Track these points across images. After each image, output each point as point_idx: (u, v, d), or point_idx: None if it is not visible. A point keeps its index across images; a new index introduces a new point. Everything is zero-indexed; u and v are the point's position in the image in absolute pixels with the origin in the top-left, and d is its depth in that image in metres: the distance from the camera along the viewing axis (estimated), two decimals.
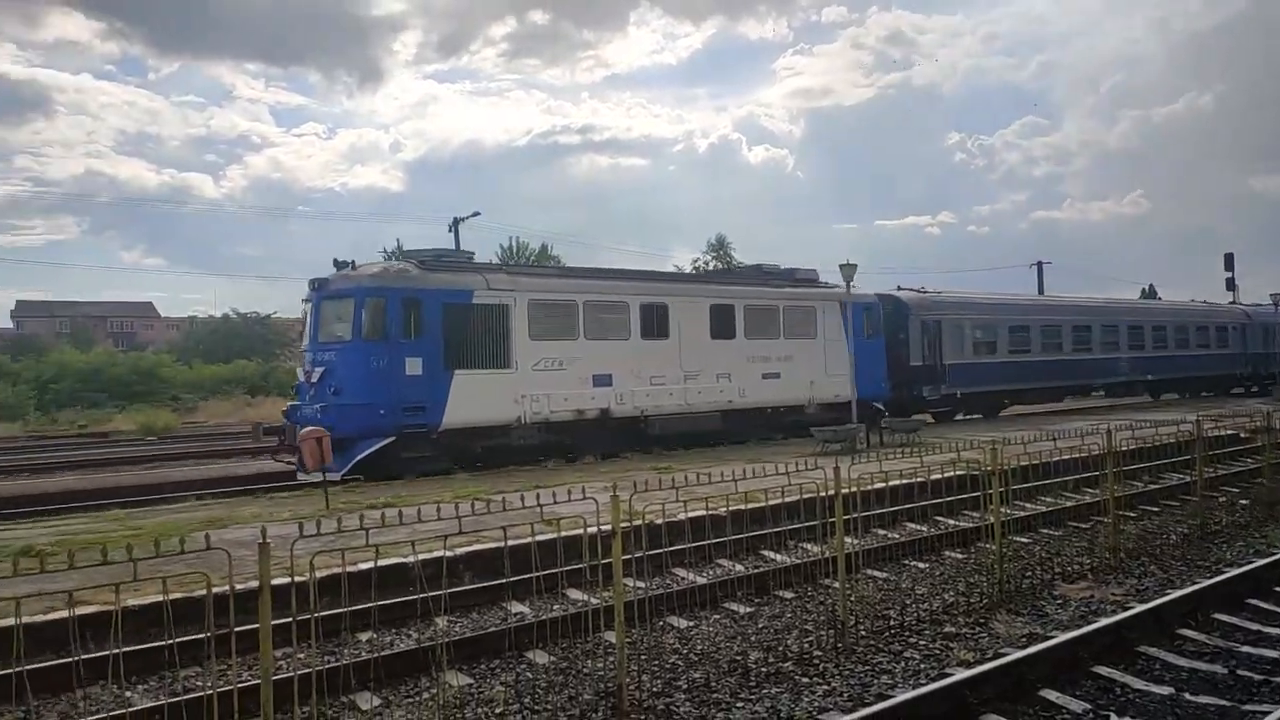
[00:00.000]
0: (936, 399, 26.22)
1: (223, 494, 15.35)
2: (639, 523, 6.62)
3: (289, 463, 16.31)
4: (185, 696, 5.77)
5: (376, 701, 6.06)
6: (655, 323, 19.45)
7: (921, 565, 9.45)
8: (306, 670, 5.41)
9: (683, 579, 9.10)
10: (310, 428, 13.04)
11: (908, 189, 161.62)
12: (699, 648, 7.03)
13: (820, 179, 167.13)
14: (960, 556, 9.85)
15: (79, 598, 5.13)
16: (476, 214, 42.17)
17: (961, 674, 5.90)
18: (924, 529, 10.93)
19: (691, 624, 7.65)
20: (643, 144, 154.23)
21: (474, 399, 16.67)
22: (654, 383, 19.20)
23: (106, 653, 6.19)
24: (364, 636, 7.27)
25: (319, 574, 5.24)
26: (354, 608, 6.52)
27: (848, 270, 20.74)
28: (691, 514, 9.62)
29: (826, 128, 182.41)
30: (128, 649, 6.38)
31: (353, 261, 17.39)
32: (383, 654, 6.71)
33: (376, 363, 15.84)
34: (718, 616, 7.87)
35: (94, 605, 6.84)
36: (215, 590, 4.78)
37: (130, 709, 5.68)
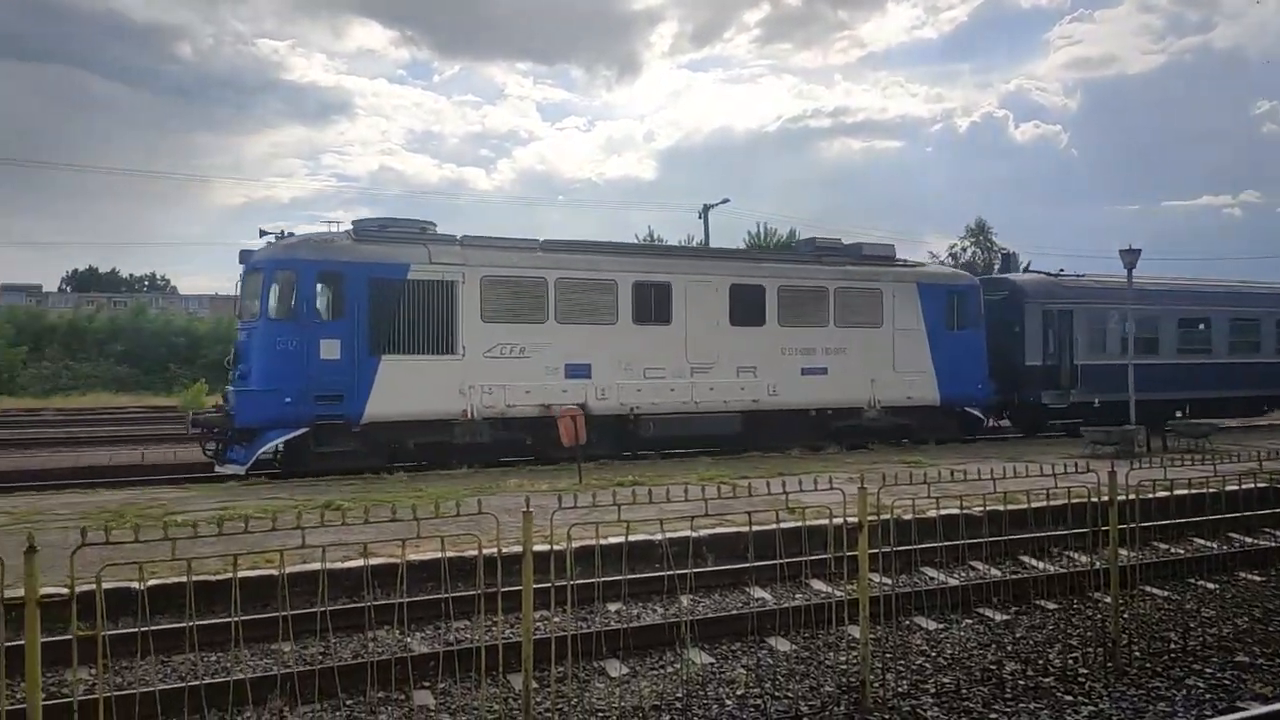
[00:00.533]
0: (1063, 407, 21.06)
1: (490, 464, 16.43)
2: (887, 517, 6.42)
3: (207, 452, 14.93)
4: (456, 646, 6.33)
5: (624, 670, 6.32)
6: (653, 305, 16.64)
7: (1210, 586, 8.47)
8: (562, 633, 5.76)
9: (932, 579, 8.74)
10: (567, 405, 13.74)
11: (1202, 165, 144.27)
12: (949, 651, 6.73)
13: (1098, 156, 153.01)
14: (1258, 579, 8.75)
15: (371, 550, 5.74)
16: (725, 201, 42.59)
17: (1256, 709, 5.25)
18: (1214, 546, 9.78)
19: (941, 626, 7.34)
20: (898, 125, 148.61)
21: (406, 389, 14.67)
22: (649, 376, 16.45)
23: (392, 601, 6.93)
24: (613, 607, 7.60)
25: (574, 544, 5.54)
26: (605, 579, 6.82)
27: (1128, 257, 18.61)
28: (944, 511, 9.21)
29: (1107, 99, 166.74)
30: (410, 599, 7.10)
31: (283, 230, 15.49)
32: (631, 625, 6.99)
33: (285, 345, 14.20)
34: (970, 621, 7.49)
35: (381, 557, 7.63)
36: (485, 552, 5.18)
37: (411, 654, 6.31)
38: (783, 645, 6.75)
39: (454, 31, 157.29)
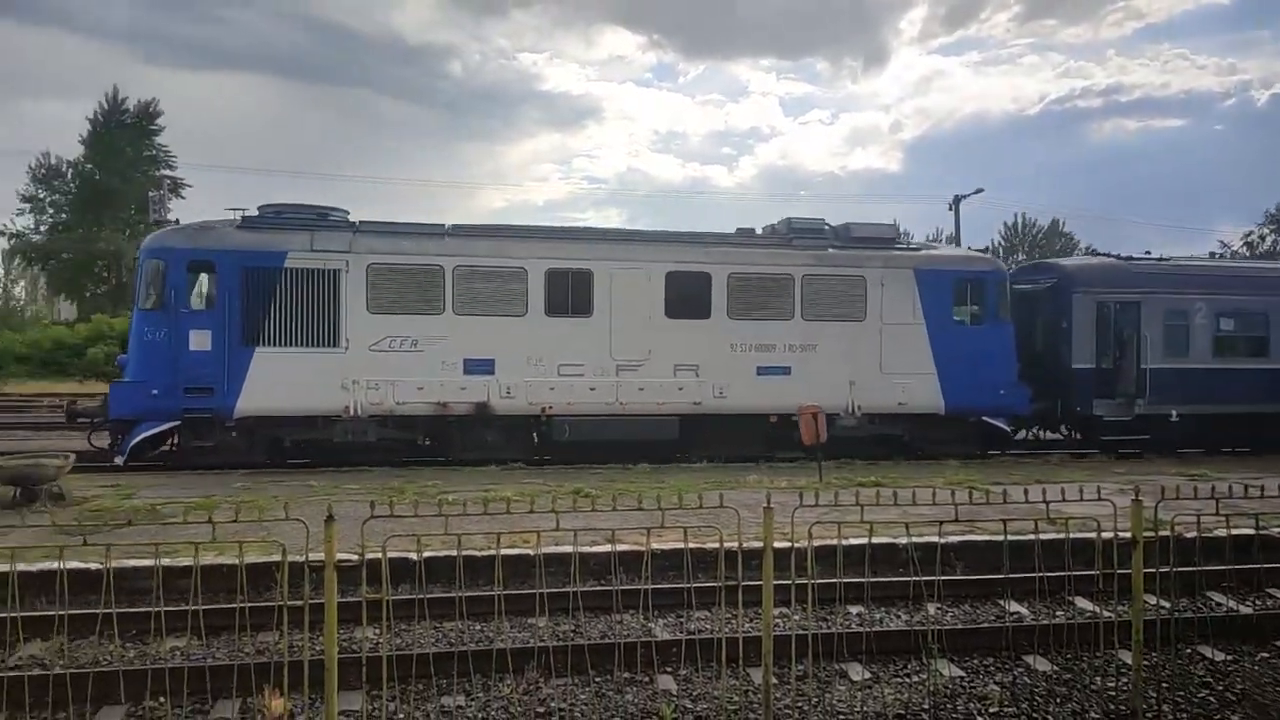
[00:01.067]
0: (1124, 420, 16.91)
1: (728, 460, 16.53)
2: (1165, 534, 5.84)
3: (92, 441, 14.78)
4: (698, 635, 6.47)
5: (866, 675, 6.19)
6: (571, 295, 15.07)
7: None
8: (802, 631, 5.73)
9: (1219, 605, 7.84)
10: (807, 404, 13.58)
11: None
12: (1239, 687, 6.01)
13: None
14: None
15: (618, 536, 6.00)
16: (979, 191, 40.39)
17: None
18: None
19: (1230, 658, 6.57)
20: (1181, 102, 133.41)
21: (281, 383, 14.02)
22: (564, 373, 14.97)
23: (637, 586, 7.19)
24: (854, 610, 7.46)
25: (815, 543, 5.49)
26: (847, 580, 6.71)
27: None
28: (1235, 530, 8.22)
29: None
30: (655, 586, 7.33)
31: (177, 220, 14.84)
32: (874, 629, 6.82)
33: (153, 336, 13.85)
34: (1266, 655, 6.65)
35: (627, 544, 7.93)
36: (726, 545, 5.26)
37: (655, 639, 6.53)
38: (1042, 664, 6.32)
39: (700, 33, 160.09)
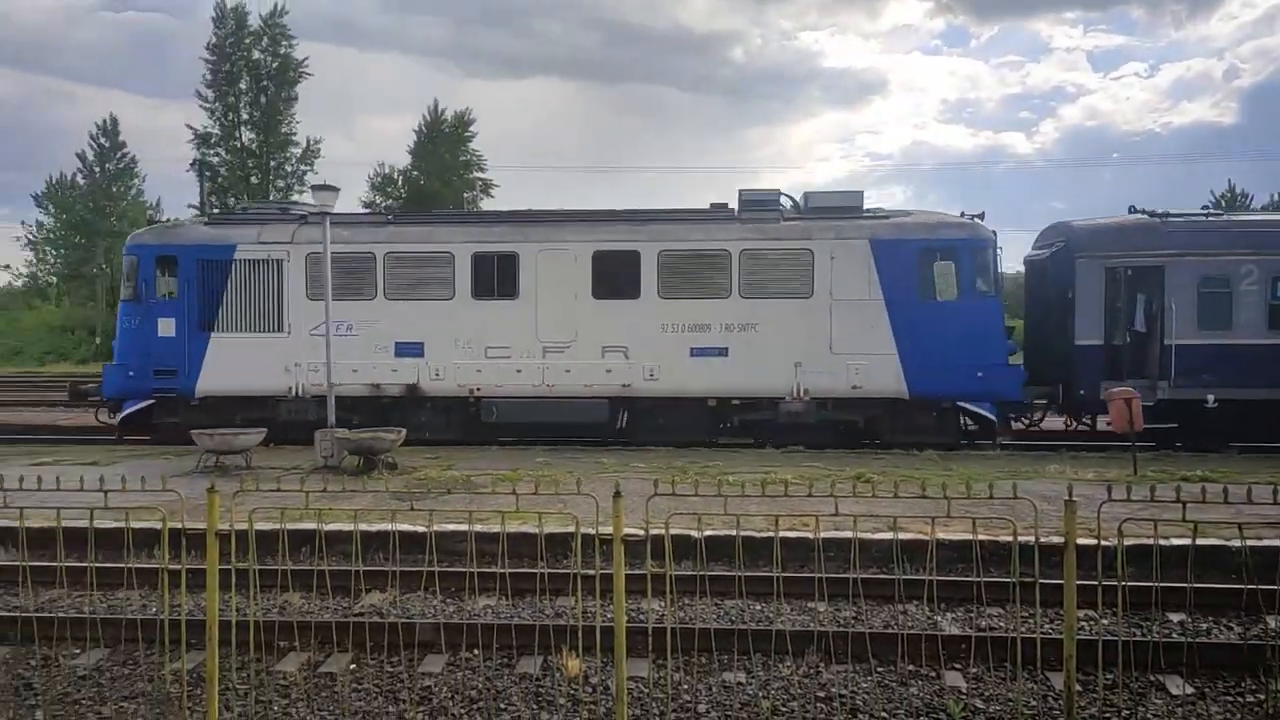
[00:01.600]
0: (1146, 406, 12.83)
1: (1026, 447, 15.40)
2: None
3: (100, 418, 16.38)
4: (990, 633, 6.12)
5: (1188, 690, 5.55)
6: (496, 278, 15.19)
7: None
8: (1111, 637, 5.24)
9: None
10: (1120, 388, 12.35)
11: None
12: None
13: None
14: None
15: (900, 524, 5.81)
16: None
17: None
18: None
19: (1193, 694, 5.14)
20: None
21: (234, 365, 15.24)
22: (491, 355, 15.13)
23: (921, 577, 6.94)
24: (1175, 617, 6.70)
25: (1126, 541, 4.99)
26: (1164, 584, 6.03)
27: None
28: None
29: None
30: (940, 577, 7.05)
31: (175, 219, 15.94)
32: (1198, 640, 6.09)
33: (130, 324, 15.78)
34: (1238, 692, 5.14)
35: (910, 533, 7.66)
36: (1020, 539, 4.93)
37: (941, 633, 6.26)
38: None
39: None
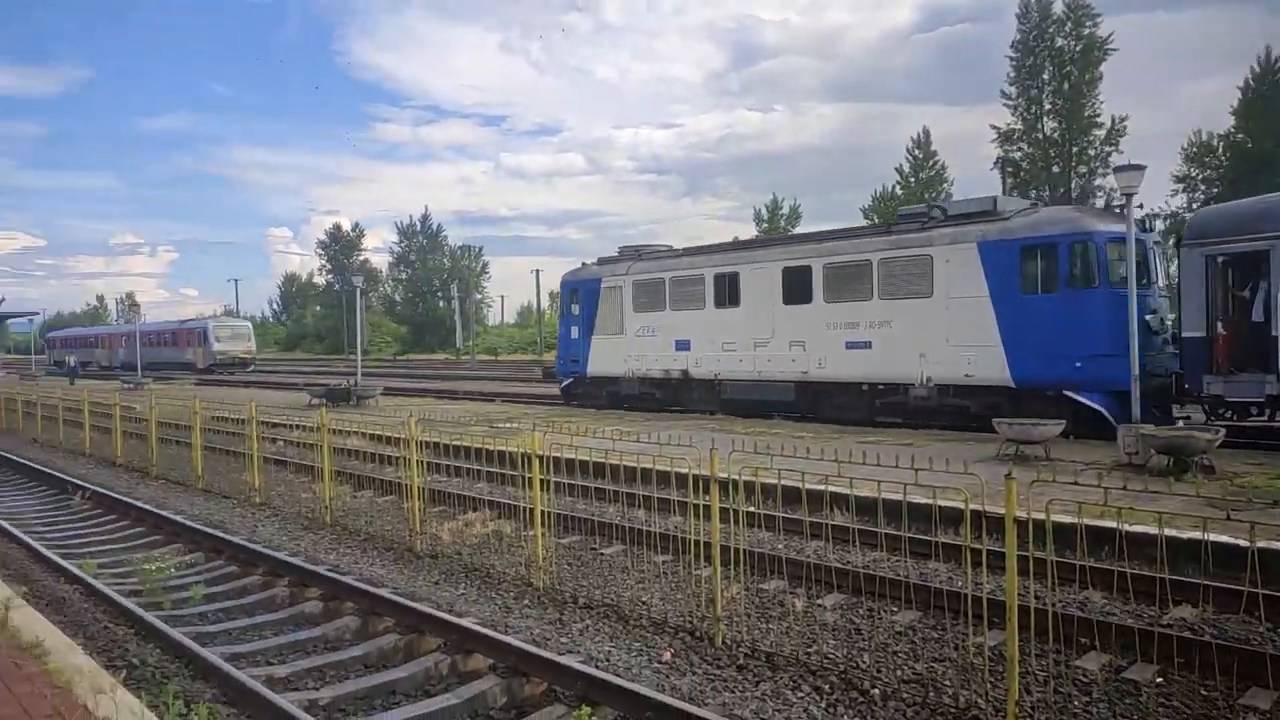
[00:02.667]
0: (1255, 400, 12.74)
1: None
2: None
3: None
4: None
5: None
6: (727, 292, 20.01)
7: None
8: None
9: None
10: None
11: None
12: None
13: None
14: None
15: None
16: None
17: None
18: None
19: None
20: None
21: (602, 356, 22.93)
22: (726, 349, 20.00)
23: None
24: None
25: None
26: None
27: None
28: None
29: None
30: None
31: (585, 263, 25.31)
32: None
33: (563, 331, 25.43)
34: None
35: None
36: None
37: None
38: None
39: None
